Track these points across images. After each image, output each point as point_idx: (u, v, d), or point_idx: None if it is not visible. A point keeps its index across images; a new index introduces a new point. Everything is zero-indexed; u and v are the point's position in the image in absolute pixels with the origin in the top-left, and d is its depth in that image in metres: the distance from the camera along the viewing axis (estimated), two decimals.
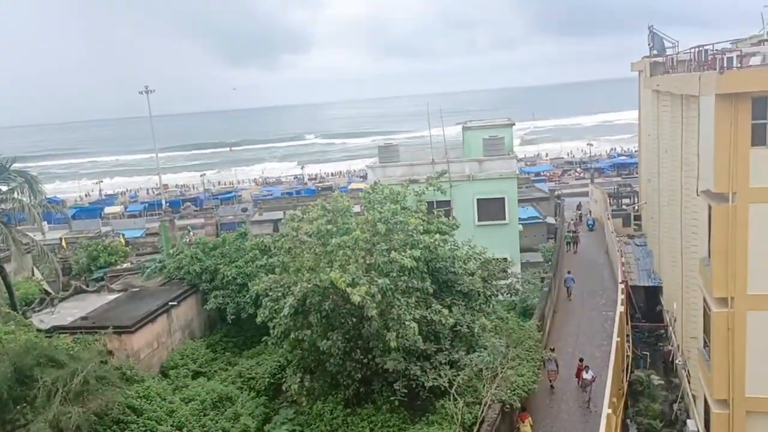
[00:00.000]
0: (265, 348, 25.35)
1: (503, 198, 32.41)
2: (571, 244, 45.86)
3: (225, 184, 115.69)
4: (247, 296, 27.52)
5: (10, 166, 27.97)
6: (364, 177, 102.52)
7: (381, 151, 35.49)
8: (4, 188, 28.22)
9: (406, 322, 17.53)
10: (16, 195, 27.76)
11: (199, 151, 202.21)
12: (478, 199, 32.53)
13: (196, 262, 30.31)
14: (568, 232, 48.06)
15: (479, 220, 32.47)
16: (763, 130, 17.38)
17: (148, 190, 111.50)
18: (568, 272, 36.89)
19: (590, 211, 54.50)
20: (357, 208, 25.15)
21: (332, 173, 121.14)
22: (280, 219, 50.23)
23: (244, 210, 67.82)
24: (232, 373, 25.02)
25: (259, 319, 20.17)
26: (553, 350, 25.64)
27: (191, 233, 46.66)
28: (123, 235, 56.43)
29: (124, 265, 41.01)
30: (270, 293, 20.17)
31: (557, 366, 24.94)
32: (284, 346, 20.57)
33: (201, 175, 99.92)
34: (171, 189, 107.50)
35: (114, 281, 36.05)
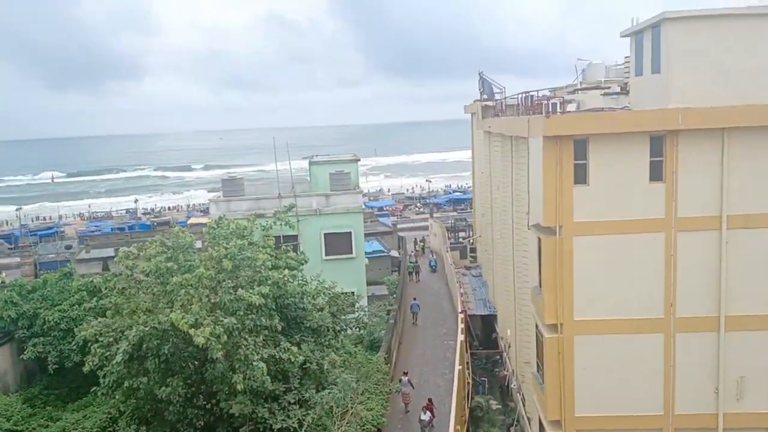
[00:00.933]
0: (93, 399, 22.87)
1: (350, 232, 32.66)
2: (413, 274, 47.37)
3: (45, 219, 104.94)
4: (73, 343, 24.91)
5: None
6: (206, 211, 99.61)
7: (225, 184, 34.26)
8: None
9: (254, 363, 16.68)
10: None
11: (12, 180, 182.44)
12: (325, 234, 32.50)
13: (11, 306, 26.89)
14: (410, 262, 49.48)
15: (327, 254, 32.38)
16: (584, 170, 19.07)
17: None
18: (414, 299, 38.24)
19: (431, 251, 56.40)
20: (199, 245, 23.76)
21: (169, 207, 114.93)
22: (112, 257, 46.51)
23: (68, 247, 61.73)
24: (54, 429, 22.11)
25: (86, 368, 18.05)
26: (406, 373, 25.92)
27: (2, 274, 41.24)
28: None
29: None
30: (100, 338, 18.26)
31: (412, 385, 25.28)
32: (116, 396, 18.59)
33: (16, 209, 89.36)
34: None
35: None
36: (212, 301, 17.55)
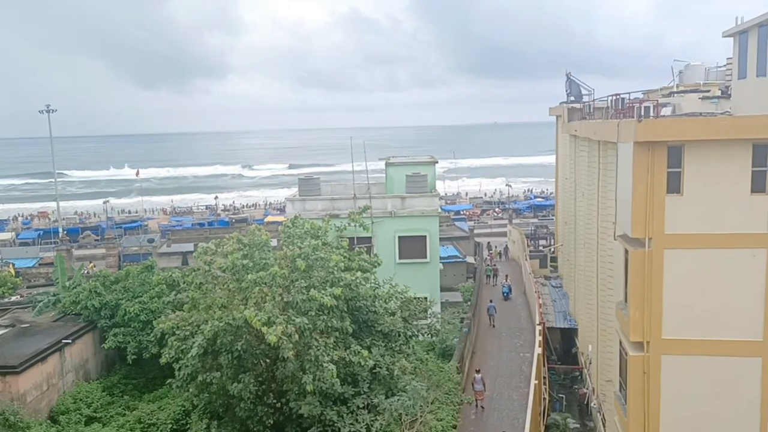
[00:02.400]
0: (168, 391, 23.94)
1: (425, 236, 32.65)
2: (491, 277, 47.62)
3: (131, 213, 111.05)
4: (151, 335, 26.22)
5: None
6: (282, 210, 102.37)
7: (301, 183, 35.08)
8: None
9: (324, 364, 16.97)
10: None
11: (100, 174, 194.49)
12: (399, 237, 32.64)
13: (95, 296, 28.69)
14: (487, 266, 49.52)
15: (400, 257, 32.53)
16: (678, 179, 18.29)
17: (38, 216, 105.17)
18: (491, 301, 38.73)
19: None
20: (274, 243, 24.43)
21: (248, 205, 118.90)
22: (191, 252, 48.66)
23: (151, 241, 65.01)
24: (130, 418, 23.38)
25: (163, 360, 18.97)
26: (478, 371, 26.50)
27: (91, 265, 44.05)
28: (13, 264, 52.62)
29: (13, 298, 38.17)
30: (177, 332, 19.09)
31: (484, 385, 25.83)
32: (190, 390, 19.41)
33: (104, 202, 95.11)
34: (69, 216, 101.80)
35: (1, 316, 33.27)
36: (285, 300, 17.97)
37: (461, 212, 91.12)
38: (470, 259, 49.46)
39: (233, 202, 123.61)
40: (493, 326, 36.53)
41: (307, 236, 20.99)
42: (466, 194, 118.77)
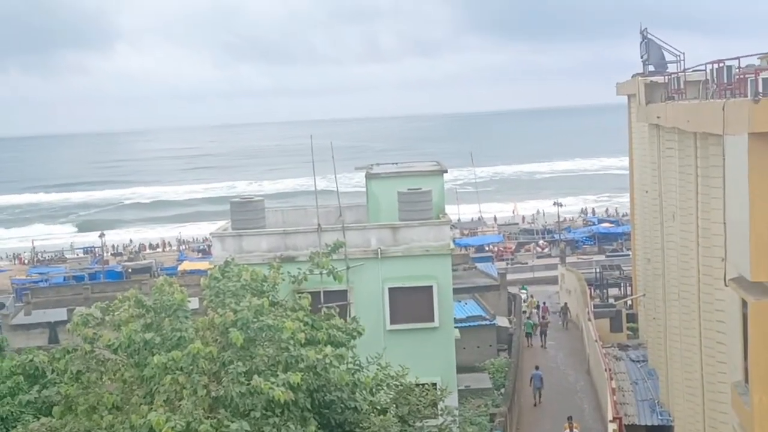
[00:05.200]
0: None
1: (430, 287, 32.49)
2: (535, 336, 49.81)
3: None
4: None
5: None
6: (205, 252, 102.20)
7: (236, 210, 34.96)
8: None
9: None
10: None
11: None
12: (390, 289, 32.48)
13: None
14: (527, 320, 51.07)
15: (393, 321, 32.37)
16: None
17: None
18: (537, 368, 40.26)
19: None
20: (194, 304, 24.14)
21: (151, 245, 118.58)
22: (63, 321, 48.07)
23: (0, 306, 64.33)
24: None
25: None
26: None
27: None
28: None
29: None
30: None
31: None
32: None
33: None
34: None
35: None
36: (213, 394, 17.77)
37: (486, 248, 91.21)
38: (502, 321, 49.38)
39: (129, 241, 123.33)
40: (539, 404, 39.29)
41: (246, 292, 20.85)
42: (494, 219, 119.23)
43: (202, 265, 75.15)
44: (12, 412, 26.95)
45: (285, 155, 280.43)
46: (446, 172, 38.38)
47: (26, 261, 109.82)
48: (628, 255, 63.55)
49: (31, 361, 20.56)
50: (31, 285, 78.14)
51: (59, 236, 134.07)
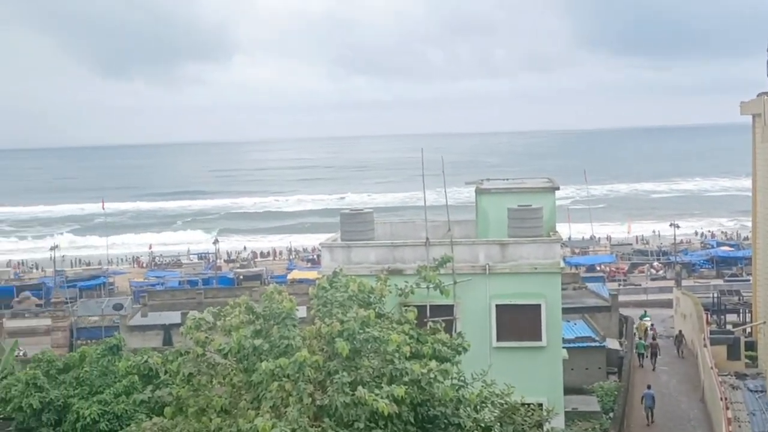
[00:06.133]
0: None
1: (539, 305, 32.25)
2: (646, 357, 49.95)
3: (89, 264, 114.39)
4: None
5: None
6: (315, 262, 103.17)
7: (345, 221, 35.35)
8: None
9: None
10: None
11: (42, 208, 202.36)
12: (498, 306, 32.35)
13: (34, 391, 29.33)
14: (639, 339, 50.71)
15: (499, 338, 32.21)
16: None
17: None
18: (648, 387, 40.63)
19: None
20: (302, 313, 24.47)
21: (263, 253, 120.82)
22: (177, 325, 49.33)
23: (118, 308, 66.70)
24: None
25: None
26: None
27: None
28: None
29: None
30: None
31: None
32: None
33: (51, 248, 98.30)
34: (0, 269, 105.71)
35: None
36: (318, 403, 17.93)
37: (597, 268, 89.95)
38: (612, 344, 48.56)
39: (243, 248, 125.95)
40: (651, 424, 39.40)
41: (353, 303, 20.98)
42: (608, 239, 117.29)
43: (311, 274, 76.28)
44: (126, 410, 27.87)
45: (395, 168, 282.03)
46: (558, 189, 37.89)
47: (144, 265, 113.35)
48: (749, 280, 61.59)
49: (146, 362, 21.20)
50: (148, 288, 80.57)
51: (176, 242, 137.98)
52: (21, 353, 43.77)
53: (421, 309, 25.05)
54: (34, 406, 29.21)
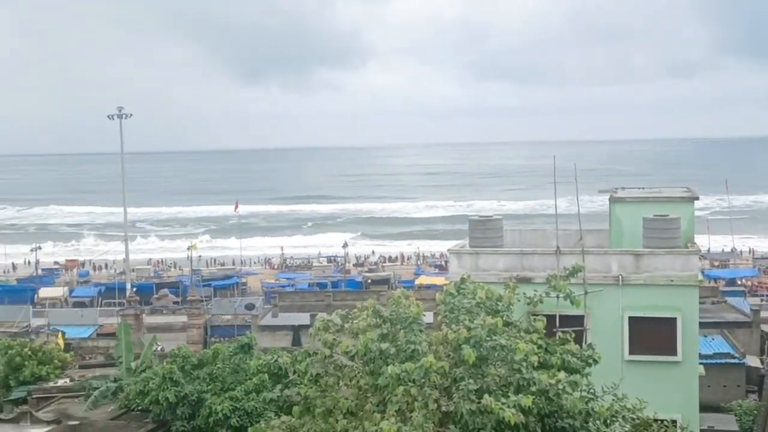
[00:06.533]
0: None
1: (674, 318, 31.44)
2: None
3: (223, 264, 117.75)
4: None
5: None
6: (442, 268, 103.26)
7: (474, 228, 35.25)
8: None
9: None
10: None
11: (185, 208, 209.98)
12: (630, 318, 31.71)
13: (170, 386, 30.34)
14: None
15: (632, 352, 31.58)
16: None
17: (107, 264, 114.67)
18: None
19: None
20: (429, 318, 24.47)
21: (390, 258, 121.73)
22: (306, 326, 50.20)
23: (250, 307, 68.35)
24: None
25: None
26: None
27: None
28: (63, 333, 57.44)
29: (60, 382, 41.51)
30: None
31: None
32: None
33: (188, 248, 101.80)
34: (141, 266, 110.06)
35: (43, 406, 36.30)
36: (443, 409, 17.89)
37: (738, 282, 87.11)
38: (753, 361, 46.84)
39: (372, 252, 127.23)
40: None
41: (481, 310, 20.86)
42: (750, 252, 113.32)
43: (438, 280, 76.27)
44: (256, 408, 28.57)
45: (526, 175, 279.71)
46: (697, 199, 36.91)
47: (275, 266, 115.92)
48: None
49: (276, 361, 21.62)
50: (278, 289, 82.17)
51: (305, 245, 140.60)
52: (159, 348, 45.40)
53: (550, 318, 24.66)
54: (170, 400, 30.25)
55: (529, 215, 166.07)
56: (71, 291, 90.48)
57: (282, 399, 21.60)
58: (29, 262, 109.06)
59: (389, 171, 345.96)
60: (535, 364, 19.09)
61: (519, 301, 22.38)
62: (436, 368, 18.09)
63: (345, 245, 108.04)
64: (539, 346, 20.23)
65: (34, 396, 38.58)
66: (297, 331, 56.33)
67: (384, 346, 19.45)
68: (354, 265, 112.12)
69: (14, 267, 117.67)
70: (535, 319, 21.70)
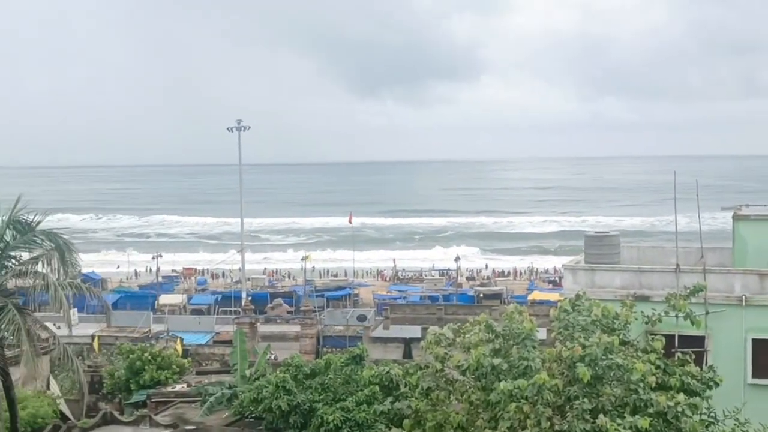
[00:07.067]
0: None
1: None
2: None
3: (336, 275, 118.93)
4: None
5: (36, 225, 30.12)
6: (555, 283, 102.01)
7: (590, 244, 34.80)
8: (25, 256, 30.41)
9: None
10: (40, 267, 29.69)
11: (302, 219, 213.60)
12: (754, 340, 30.60)
13: (283, 394, 30.79)
14: None
15: (755, 375, 30.48)
16: None
17: (223, 273, 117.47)
18: None
19: None
20: (542, 334, 24.19)
21: (503, 273, 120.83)
22: (417, 339, 50.34)
23: (362, 319, 68.78)
24: None
25: None
26: None
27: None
28: (181, 339, 59.14)
29: (178, 387, 42.67)
30: None
31: None
32: None
33: (302, 258, 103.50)
34: (256, 276, 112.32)
35: (161, 410, 37.43)
36: (557, 427, 17.71)
37: None
38: None
39: (484, 266, 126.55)
40: None
41: (596, 328, 20.59)
42: None
43: (552, 296, 75.14)
44: (367, 419, 28.63)
45: (645, 191, 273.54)
46: None
47: (387, 278, 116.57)
48: None
49: (388, 373, 21.74)
50: (390, 301, 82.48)
51: (417, 258, 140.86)
52: (272, 356, 46.20)
53: (668, 338, 24.11)
54: (283, 408, 30.66)
55: (647, 232, 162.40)
56: (189, 298, 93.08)
57: (393, 412, 21.74)
58: (150, 270, 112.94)
59: (503, 185, 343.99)
60: (653, 384, 18.80)
61: (636, 319, 22.00)
62: (550, 386, 17.96)
63: (457, 258, 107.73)
64: (657, 367, 19.90)
65: (153, 400, 39.79)
66: (408, 343, 56.40)
67: (496, 361, 19.40)
68: (466, 278, 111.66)
69: (137, 274, 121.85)
70: (653, 338, 21.35)
